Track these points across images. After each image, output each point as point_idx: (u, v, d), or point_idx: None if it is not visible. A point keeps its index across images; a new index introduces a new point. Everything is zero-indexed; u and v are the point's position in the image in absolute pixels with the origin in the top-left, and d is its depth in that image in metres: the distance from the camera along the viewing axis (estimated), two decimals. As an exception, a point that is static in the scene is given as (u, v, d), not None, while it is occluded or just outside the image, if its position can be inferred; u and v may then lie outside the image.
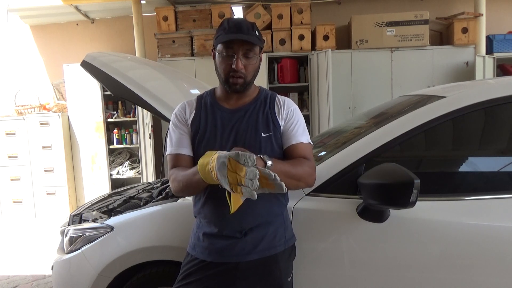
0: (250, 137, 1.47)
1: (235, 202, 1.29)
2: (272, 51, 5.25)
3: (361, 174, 1.62)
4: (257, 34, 1.47)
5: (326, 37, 5.17)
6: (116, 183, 5.51)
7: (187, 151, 1.53)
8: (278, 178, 1.22)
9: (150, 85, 2.29)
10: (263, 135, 1.47)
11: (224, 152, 1.24)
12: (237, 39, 1.41)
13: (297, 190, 1.59)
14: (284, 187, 1.23)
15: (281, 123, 1.52)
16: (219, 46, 1.46)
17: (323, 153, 1.95)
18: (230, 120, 1.50)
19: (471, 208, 1.63)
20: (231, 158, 1.18)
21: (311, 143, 1.56)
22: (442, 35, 5.57)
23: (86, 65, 2.38)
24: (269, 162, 1.32)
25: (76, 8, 5.53)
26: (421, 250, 1.59)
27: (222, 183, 1.20)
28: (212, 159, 1.25)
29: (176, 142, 1.53)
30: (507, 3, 5.62)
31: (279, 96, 1.59)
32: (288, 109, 1.54)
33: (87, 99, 5.39)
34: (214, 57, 1.52)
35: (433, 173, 1.87)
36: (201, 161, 1.30)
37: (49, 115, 5.41)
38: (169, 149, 1.55)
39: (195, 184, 1.39)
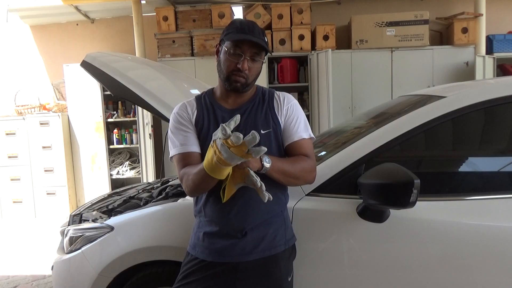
0: None
1: (229, 190, 1.31)
2: (272, 51, 5.24)
3: (361, 174, 1.62)
4: (266, 40, 1.47)
5: (326, 37, 5.17)
6: (116, 183, 5.51)
7: (196, 148, 1.50)
8: (264, 188, 1.25)
9: (150, 85, 2.29)
10: (262, 132, 1.47)
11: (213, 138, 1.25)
12: (249, 40, 1.41)
13: (297, 187, 1.60)
14: (267, 199, 1.26)
15: (281, 120, 1.52)
16: (228, 44, 1.45)
17: (323, 153, 1.95)
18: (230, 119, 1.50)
19: (471, 208, 1.63)
20: (221, 139, 1.19)
21: (313, 136, 1.56)
22: (442, 35, 5.57)
23: (86, 65, 2.38)
24: (267, 165, 1.33)
25: (76, 8, 5.53)
26: (421, 250, 1.59)
27: (236, 162, 1.20)
28: (213, 152, 1.24)
29: (182, 141, 1.50)
30: (507, 3, 5.62)
31: (277, 92, 1.58)
32: (288, 105, 1.53)
33: (87, 99, 5.39)
34: (217, 53, 1.51)
35: (433, 173, 1.87)
36: (205, 162, 1.30)
37: (49, 115, 5.41)
38: (174, 150, 1.51)
39: (207, 182, 1.36)
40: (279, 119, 1.51)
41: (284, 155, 1.53)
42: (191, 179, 1.40)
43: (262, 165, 1.33)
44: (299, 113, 1.55)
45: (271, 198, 1.27)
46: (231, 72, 1.45)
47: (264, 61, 1.51)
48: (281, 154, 1.52)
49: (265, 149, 1.19)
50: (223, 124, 1.19)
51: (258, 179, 1.26)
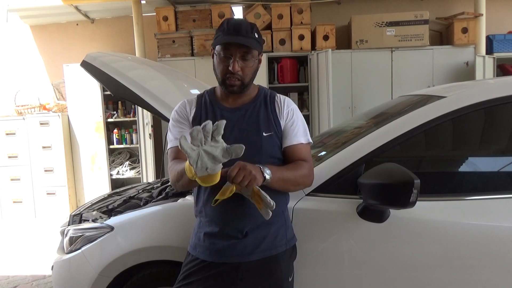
0: (252, 136, 1.48)
1: (222, 194, 1.32)
2: (272, 51, 5.24)
3: (361, 174, 1.62)
4: (256, 36, 1.46)
5: (326, 37, 5.17)
6: (116, 183, 5.51)
7: None
8: (274, 206, 1.29)
9: (150, 85, 2.28)
10: (264, 134, 1.48)
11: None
12: (233, 42, 1.41)
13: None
14: (270, 215, 1.32)
15: (282, 123, 1.52)
16: (217, 47, 1.46)
17: (323, 153, 1.95)
18: (231, 118, 1.50)
19: (471, 208, 1.63)
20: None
21: (311, 141, 1.57)
22: (442, 35, 5.57)
23: (86, 65, 2.38)
24: (268, 176, 1.35)
25: (76, 8, 5.53)
26: (421, 250, 1.59)
27: (191, 162, 1.22)
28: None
29: (177, 136, 1.54)
30: (507, 3, 5.62)
31: (278, 95, 1.59)
32: (288, 109, 1.54)
33: (87, 99, 5.39)
34: (213, 57, 1.52)
35: (433, 173, 1.87)
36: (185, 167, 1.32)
37: (49, 115, 5.40)
38: (170, 144, 1.56)
39: (186, 181, 1.38)
40: (280, 122, 1.52)
41: (282, 158, 1.55)
42: (173, 173, 1.45)
43: (264, 177, 1.35)
44: (299, 118, 1.56)
45: (269, 216, 1.32)
46: (225, 75, 1.46)
47: (257, 58, 1.49)
48: (281, 157, 1.53)
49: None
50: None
51: (270, 200, 1.30)
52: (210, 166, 1.21)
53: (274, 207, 1.29)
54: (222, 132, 1.23)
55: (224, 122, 1.24)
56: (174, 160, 1.51)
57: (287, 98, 1.59)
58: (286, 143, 1.52)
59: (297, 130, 1.53)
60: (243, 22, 1.46)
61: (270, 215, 1.31)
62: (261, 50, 1.51)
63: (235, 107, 1.53)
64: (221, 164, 1.24)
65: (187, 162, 1.25)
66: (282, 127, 1.52)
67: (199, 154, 1.20)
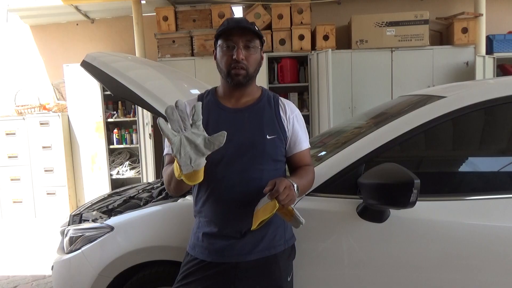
0: (256, 137, 1.47)
1: (256, 217, 1.32)
2: (272, 51, 5.24)
3: (361, 174, 1.62)
4: (258, 28, 1.48)
5: (326, 37, 5.17)
6: (116, 183, 5.51)
7: None
8: (303, 223, 1.33)
9: (150, 85, 2.28)
10: (268, 137, 1.47)
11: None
12: (236, 27, 1.43)
13: None
14: (300, 225, 1.35)
15: (287, 127, 1.52)
16: (220, 41, 1.46)
17: (323, 153, 1.95)
18: (234, 119, 1.50)
19: (471, 208, 1.63)
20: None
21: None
22: (442, 35, 5.57)
23: (86, 65, 2.38)
24: (297, 193, 1.37)
25: (76, 8, 5.53)
26: (421, 250, 1.60)
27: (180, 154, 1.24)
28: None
29: None
30: (507, 3, 5.62)
31: (281, 99, 1.59)
32: (293, 114, 1.55)
33: (87, 99, 5.39)
34: (215, 57, 1.52)
35: (433, 173, 1.87)
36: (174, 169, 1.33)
37: (49, 115, 5.41)
38: (166, 149, 1.56)
39: (176, 182, 1.40)
40: (285, 127, 1.52)
41: (284, 162, 1.56)
42: (165, 178, 1.46)
43: (296, 188, 1.37)
44: (302, 123, 1.58)
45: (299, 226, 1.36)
46: (229, 66, 1.45)
47: (259, 48, 1.49)
48: (283, 159, 1.54)
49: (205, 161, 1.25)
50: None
51: (302, 220, 1.34)
52: (194, 157, 1.23)
53: (303, 223, 1.33)
54: (201, 116, 1.27)
55: (200, 104, 1.28)
56: (169, 164, 1.52)
57: (290, 102, 1.60)
58: (293, 151, 1.54)
59: (301, 136, 1.55)
60: (243, 18, 1.49)
61: (299, 226, 1.35)
62: (262, 40, 1.50)
63: (238, 108, 1.52)
64: (204, 159, 1.26)
65: (175, 161, 1.27)
66: (287, 133, 1.52)
67: (181, 140, 1.23)
